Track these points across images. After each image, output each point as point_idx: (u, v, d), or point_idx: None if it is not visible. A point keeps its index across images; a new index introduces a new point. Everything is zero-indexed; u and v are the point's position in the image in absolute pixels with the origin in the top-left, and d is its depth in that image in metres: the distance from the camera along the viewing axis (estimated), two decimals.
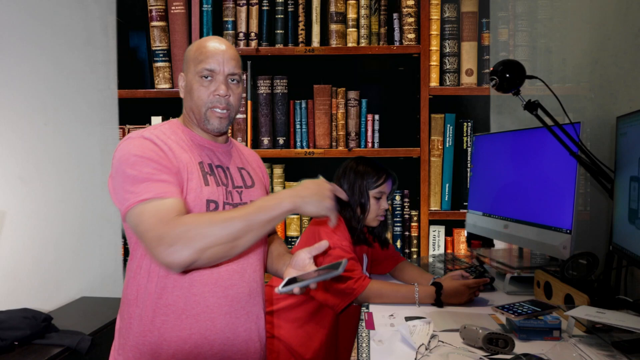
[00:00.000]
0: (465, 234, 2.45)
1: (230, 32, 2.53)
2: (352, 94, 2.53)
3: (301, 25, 2.52)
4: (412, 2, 2.48)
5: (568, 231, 1.66)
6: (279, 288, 1.25)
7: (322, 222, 1.86)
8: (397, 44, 2.51)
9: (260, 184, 1.53)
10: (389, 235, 2.51)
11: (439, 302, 1.69)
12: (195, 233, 1.15)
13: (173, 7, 2.53)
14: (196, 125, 1.43)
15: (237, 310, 1.37)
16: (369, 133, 2.53)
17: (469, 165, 2.49)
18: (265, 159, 2.54)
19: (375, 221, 1.91)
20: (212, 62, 1.38)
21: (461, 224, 2.44)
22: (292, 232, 2.54)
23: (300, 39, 2.52)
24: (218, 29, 2.55)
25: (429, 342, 1.30)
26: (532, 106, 1.67)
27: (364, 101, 2.54)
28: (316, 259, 1.44)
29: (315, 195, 1.24)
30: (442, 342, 1.33)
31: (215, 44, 1.40)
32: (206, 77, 1.38)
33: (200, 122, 1.41)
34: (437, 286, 1.70)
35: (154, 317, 1.31)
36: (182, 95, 1.45)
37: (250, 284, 1.40)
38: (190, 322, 1.32)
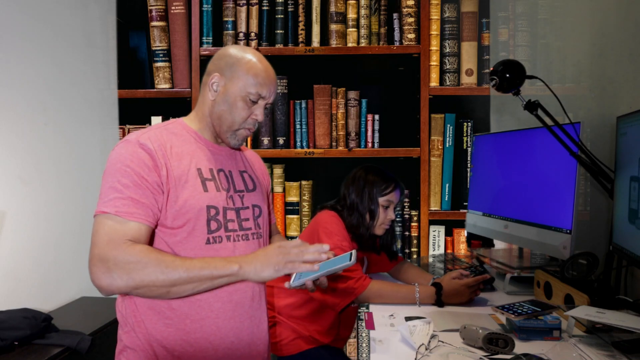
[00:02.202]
0: (465, 234, 2.45)
1: (230, 32, 2.53)
2: (352, 94, 2.53)
3: (301, 25, 2.52)
4: (412, 2, 2.48)
5: (568, 231, 1.66)
6: (290, 283, 1.25)
7: (320, 222, 1.87)
8: (397, 44, 2.51)
9: (261, 187, 1.54)
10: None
11: (439, 302, 1.69)
12: (137, 268, 1.17)
13: (173, 7, 2.53)
14: (209, 130, 1.43)
15: (241, 314, 1.38)
16: (369, 133, 2.53)
17: (469, 165, 2.48)
18: (265, 159, 2.53)
19: (380, 229, 1.91)
20: (266, 91, 1.39)
21: (461, 224, 2.44)
22: (292, 232, 2.54)
23: (300, 39, 2.52)
24: (218, 29, 2.55)
25: (429, 342, 1.30)
26: (532, 106, 1.67)
27: (364, 101, 2.53)
28: None
29: (261, 262, 1.23)
30: (442, 342, 1.33)
31: (270, 70, 1.41)
32: (254, 101, 1.39)
33: (222, 133, 1.41)
34: (437, 287, 1.71)
35: (158, 321, 1.32)
36: (211, 97, 1.40)
37: (253, 288, 1.41)
38: (195, 326, 1.32)
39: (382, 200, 1.88)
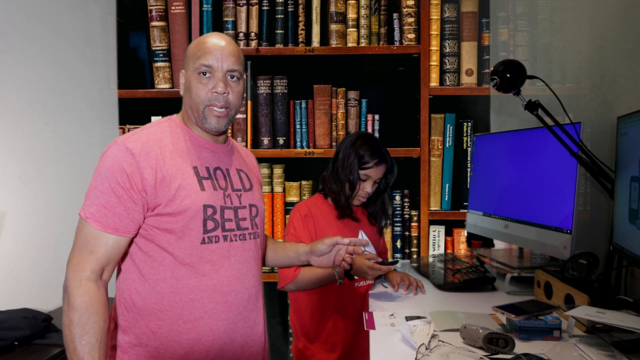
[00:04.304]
0: (466, 234, 2.45)
1: (230, 32, 2.53)
2: (352, 94, 2.53)
3: (301, 25, 2.52)
4: (412, 2, 2.48)
5: (568, 231, 1.66)
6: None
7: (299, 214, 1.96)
8: (397, 44, 2.51)
9: (258, 186, 1.53)
10: (389, 235, 2.51)
11: (349, 276, 1.79)
12: (72, 314, 1.23)
13: (173, 7, 2.53)
14: (195, 124, 1.40)
15: (236, 316, 1.37)
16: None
17: (469, 165, 2.48)
18: (265, 159, 2.55)
19: (356, 200, 1.95)
20: (211, 58, 1.35)
21: (461, 224, 2.44)
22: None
23: (300, 39, 2.52)
24: (218, 29, 2.55)
25: (430, 341, 1.30)
26: (532, 106, 1.67)
27: (364, 101, 2.53)
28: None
29: None
30: (443, 341, 1.33)
31: (215, 40, 1.37)
32: (204, 74, 1.35)
33: (198, 120, 1.38)
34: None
35: (150, 322, 1.31)
36: (182, 93, 1.41)
37: (249, 289, 1.40)
38: (187, 327, 1.31)
39: (361, 173, 1.90)
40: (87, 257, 1.26)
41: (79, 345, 1.22)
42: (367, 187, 1.91)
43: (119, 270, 1.37)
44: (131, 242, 1.33)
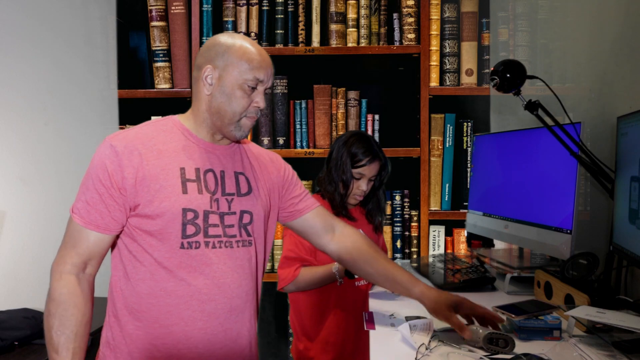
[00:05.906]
0: (466, 234, 2.45)
1: (230, 32, 2.53)
2: (352, 94, 2.53)
3: (301, 25, 2.52)
4: (412, 2, 2.48)
5: (568, 231, 1.66)
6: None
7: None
8: (397, 44, 2.51)
9: (262, 191, 1.43)
10: (389, 235, 2.51)
11: (350, 275, 1.80)
12: (51, 306, 1.28)
13: (173, 7, 2.53)
14: (206, 127, 1.36)
15: (215, 326, 1.31)
16: (369, 133, 2.53)
17: (469, 165, 2.49)
18: None
19: (352, 199, 1.94)
20: (263, 74, 1.32)
21: (461, 224, 2.44)
22: None
23: (300, 39, 2.52)
24: (218, 29, 2.55)
25: (429, 341, 1.30)
26: (532, 106, 1.67)
27: (364, 101, 2.53)
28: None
29: None
30: (443, 341, 1.33)
31: (264, 53, 1.35)
32: (252, 88, 1.32)
33: (224, 127, 1.34)
34: None
35: (129, 322, 1.31)
36: (206, 91, 1.33)
37: (232, 300, 1.32)
38: (163, 332, 1.29)
39: (354, 172, 1.90)
40: (70, 251, 1.29)
41: (55, 336, 1.25)
42: (362, 186, 1.91)
43: (112, 267, 1.37)
44: (120, 239, 1.33)
